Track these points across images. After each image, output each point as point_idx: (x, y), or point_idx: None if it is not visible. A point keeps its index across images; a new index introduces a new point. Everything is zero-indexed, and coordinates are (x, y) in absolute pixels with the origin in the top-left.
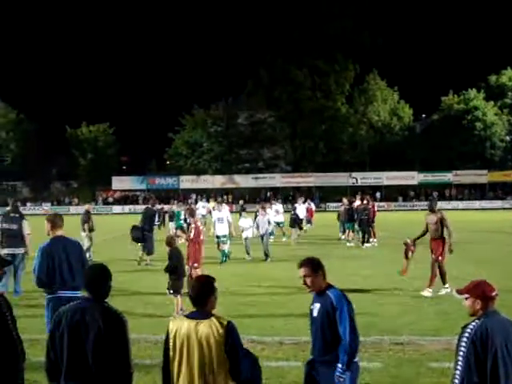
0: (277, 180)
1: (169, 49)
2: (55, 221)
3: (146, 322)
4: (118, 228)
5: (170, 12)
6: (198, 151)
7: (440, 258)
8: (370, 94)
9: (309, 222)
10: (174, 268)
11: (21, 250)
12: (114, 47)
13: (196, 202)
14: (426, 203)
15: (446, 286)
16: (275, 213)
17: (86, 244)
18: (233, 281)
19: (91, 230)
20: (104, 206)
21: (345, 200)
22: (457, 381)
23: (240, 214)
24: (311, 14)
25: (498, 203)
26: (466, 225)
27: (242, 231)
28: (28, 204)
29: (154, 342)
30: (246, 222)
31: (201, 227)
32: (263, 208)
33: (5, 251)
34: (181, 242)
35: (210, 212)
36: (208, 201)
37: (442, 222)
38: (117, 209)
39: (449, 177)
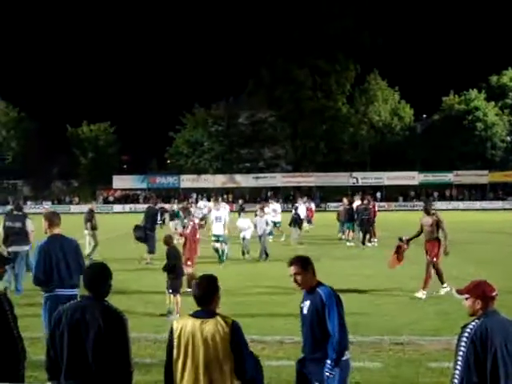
0: (277, 180)
1: (170, 48)
2: (52, 219)
3: (146, 321)
4: (118, 227)
5: (171, 11)
6: (198, 150)
7: (435, 259)
8: (370, 93)
9: (309, 221)
10: (172, 267)
11: (25, 248)
12: (115, 46)
13: (197, 202)
14: None
15: (445, 285)
16: (273, 212)
17: (91, 243)
18: (232, 280)
19: (94, 228)
20: (105, 205)
21: (345, 200)
22: (456, 381)
23: (239, 214)
24: (312, 14)
25: (498, 204)
26: (467, 225)
27: (240, 231)
28: (28, 203)
29: (155, 340)
30: (244, 222)
31: (197, 226)
32: (261, 209)
33: (9, 249)
34: (181, 241)
35: (210, 211)
36: (209, 200)
37: (437, 224)
38: (117, 208)
39: (449, 177)
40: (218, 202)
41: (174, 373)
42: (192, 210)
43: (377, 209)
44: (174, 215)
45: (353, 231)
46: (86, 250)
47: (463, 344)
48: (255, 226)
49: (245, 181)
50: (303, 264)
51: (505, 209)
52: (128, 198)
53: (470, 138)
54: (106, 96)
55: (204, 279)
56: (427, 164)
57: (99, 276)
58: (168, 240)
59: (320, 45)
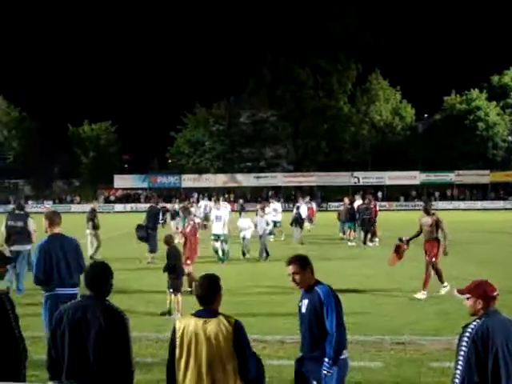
0: (278, 179)
1: (171, 47)
2: (53, 218)
3: (147, 320)
4: (119, 226)
5: (172, 11)
6: (199, 150)
7: (434, 259)
8: (372, 93)
9: (310, 220)
10: (173, 267)
11: (26, 247)
12: (117, 46)
13: (198, 201)
14: None
15: (445, 284)
16: (273, 212)
17: (93, 243)
18: (232, 280)
19: (96, 227)
20: (106, 205)
21: (346, 199)
22: (457, 380)
23: (240, 214)
24: (314, 13)
25: (499, 203)
26: (468, 225)
27: (241, 231)
28: (30, 202)
29: (156, 340)
30: (244, 221)
31: (197, 226)
32: (262, 208)
33: (11, 248)
34: (181, 241)
35: (211, 210)
36: (210, 199)
37: (437, 224)
38: (119, 207)
39: (451, 177)
40: (219, 201)
41: (176, 372)
42: (193, 209)
43: (378, 208)
44: (175, 215)
45: (354, 231)
46: (88, 250)
47: (464, 344)
48: (255, 226)
49: (246, 180)
50: (301, 263)
51: (506, 208)
52: (129, 197)
53: (471, 137)
54: (107, 95)
55: (206, 279)
56: (428, 164)
57: (100, 275)
58: (168, 240)
59: (321, 44)
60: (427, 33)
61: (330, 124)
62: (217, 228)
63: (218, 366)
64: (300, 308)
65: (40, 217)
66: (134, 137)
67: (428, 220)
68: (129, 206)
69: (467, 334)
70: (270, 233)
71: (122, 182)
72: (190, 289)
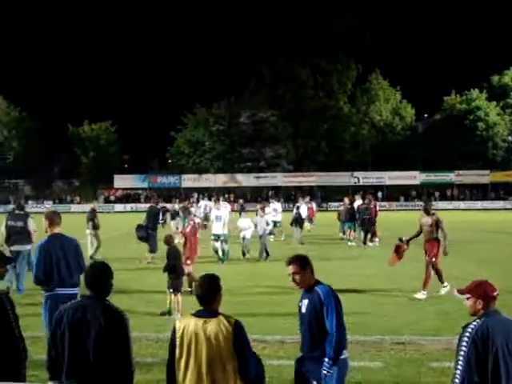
0: (279, 179)
1: (171, 47)
2: (53, 218)
3: (147, 320)
4: (119, 226)
5: (172, 10)
6: (199, 150)
7: (434, 259)
8: (372, 93)
9: (310, 220)
10: (173, 267)
11: (27, 247)
12: (117, 45)
13: (198, 201)
14: None
15: (445, 284)
16: (273, 212)
17: (93, 243)
18: (232, 280)
19: (96, 227)
20: (106, 205)
21: (346, 199)
22: (457, 380)
23: (240, 214)
24: (314, 13)
25: (499, 203)
26: (468, 225)
27: (241, 231)
28: (30, 202)
29: (156, 340)
30: (244, 221)
31: (197, 226)
32: (262, 208)
33: (11, 248)
34: (181, 241)
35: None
36: (210, 199)
37: (437, 224)
38: (119, 207)
39: (451, 177)
40: (219, 201)
41: (176, 372)
42: (193, 209)
43: (378, 208)
44: (175, 215)
45: (354, 231)
46: (88, 250)
47: (464, 344)
48: (255, 226)
49: (246, 180)
50: (301, 263)
51: (506, 208)
52: (129, 197)
53: (471, 137)
54: (107, 95)
55: (206, 279)
56: (428, 164)
57: (100, 275)
58: (168, 240)
59: (322, 44)
60: (427, 33)
61: (330, 124)
62: (217, 228)
63: (218, 365)
64: (300, 308)
65: (40, 217)
66: (133, 137)
67: (428, 220)
68: (129, 206)
69: (467, 334)
70: (270, 233)
71: (122, 182)
72: (190, 289)
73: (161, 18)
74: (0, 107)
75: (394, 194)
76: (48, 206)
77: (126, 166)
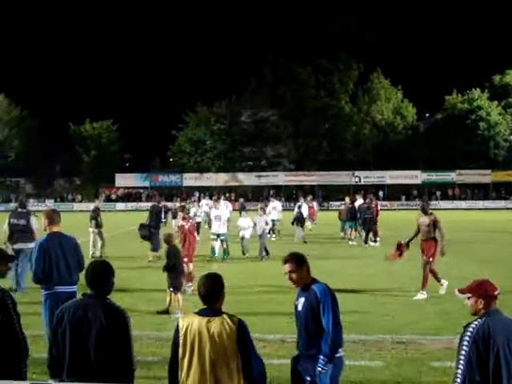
0: (280, 178)
1: (172, 46)
2: (53, 217)
3: (148, 319)
4: (120, 225)
5: (173, 10)
6: (201, 149)
7: (431, 259)
8: (373, 92)
9: (311, 220)
10: (172, 266)
11: (29, 245)
12: (118, 44)
13: (199, 200)
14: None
15: (442, 282)
16: (272, 210)
17: (97, 241)
18: (233, 279)
19: (99, 226)
20: (107, 203)
21: (347, 199)
22: (459, 380)
23: (240, 213)
24: (315, 13)
25: (501, 203)
26: (469, 224)
27: (240, 230)
28: (31, 200)
29: (157, 338)
30: (245, 221)
31: (195, 224)
32: (262, 208)
33: (14, 246)
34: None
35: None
36: (211, 198)
37: (434, 224)
38: (120, 206)
39: (452, 176)
40: (218, 200)
41: (179, 370)
42: (194, 209)
43: (379, 208)
44: (176, 213)
45: (355, 230)
46: (90, 248)
47: (465, 343)
48: (255, 225)
49: (247, 179)
50: (298, 261)
51: (507, 208)
52: (130, 196)
53: (472, 137)
54: (108, 94)
55: (209, 277)
56: (430, 163)
57: (102, 274)
58: (168, 239)
59: (323, 44)
60: (429, 32)
61: (332, 123)
62: (216, 227)
63: (222, 364)
64: (296, 306)
65: (41, 215)
66: (135, 135)
67: (425, 220)
68: (130, 205)
69: (468, 334)
70: (269, 232)
71: (124, 180)
72: (190, 284)
73: (162, 17)
74: (1, 106)
75: (395, 193)
76: (49, 204)
77: (128, 164)
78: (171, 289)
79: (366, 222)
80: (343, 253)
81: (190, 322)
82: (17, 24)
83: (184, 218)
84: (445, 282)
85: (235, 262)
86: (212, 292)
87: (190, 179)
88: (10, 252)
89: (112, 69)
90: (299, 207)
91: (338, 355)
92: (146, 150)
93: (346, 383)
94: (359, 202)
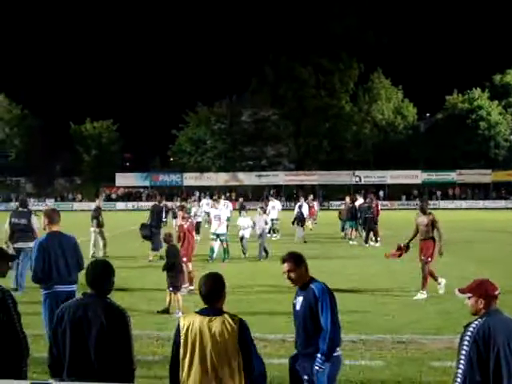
0: (280, 178)
1: (173, 46)
2: (53, 216)
3: (148, 318)
4: (121, 225)
5: (173, 9)
6: (201, 148)
7: (430, 258)
8: (374, 92)
9: (312, 219)
10: (172, 265)
11: (30, 245)
12: (119, 44)
13: (200, 200)
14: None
15: (439, 281)
16: (272, 209)
17: (98, 241)
18: (233, 279)
19: (101, 225)
20: (107, 203)
21: (347, 198)
22: (459, 379)
23: (240, 213)
24: (316, 12)
25: (501, 203)
26: (469, 224)
27: (240, 230)
28: (31, 200)
29: (157, 338)
30: (245, 220)
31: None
32: (262, 208)
33: (15, 246)
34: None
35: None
36: (212, 198)
37: (433, 224)
38: (120, 205)
39: (452, 176)
40: (218, 200)
41: (180, 369)
42: (194, 208)
43: (380, 208)
44: (176, 213)
45: (356, 230)
46: (90, 248)
47: (466, 343)
48: (254, 225)
49: (247, 179)
50: (296, 261)
51: (507, 208)
52: (131, 195)
53: (473, 136)
54: (109, 93)
55: (210, 277)
56: (430, 163)
57: (102, 273)
58: (167, 238)
59: (323, 43)
60: (429, 32)
61: (332, 123)
62: (216, 227)
63: (224, 362)
64: (294, 305)
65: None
66: (135, 135)
67: (424, 220)
68: (130, 205)
69: (469, 334)
70: (270, 231)
71: (124, 180)
72: (191, 287)
73: (162, 17)
74: (2, 105)
75: (395, 193)
76: (50, 203)
77: (128, 164)
78: (171, 288)
79: (367, 222)
80: (343, 252)
81: (191, 322)
82: (17, 24)
83: (183, 218)
84: (442, 281)
85: (235, 262)
86: (213, 291)
87: (191, 179)
88: (11, 251)
89: (112, 69)
90: (300, 207)
91: (335, 354)
92: (146, 150)
93: (346, 383)
94: (360, 201)
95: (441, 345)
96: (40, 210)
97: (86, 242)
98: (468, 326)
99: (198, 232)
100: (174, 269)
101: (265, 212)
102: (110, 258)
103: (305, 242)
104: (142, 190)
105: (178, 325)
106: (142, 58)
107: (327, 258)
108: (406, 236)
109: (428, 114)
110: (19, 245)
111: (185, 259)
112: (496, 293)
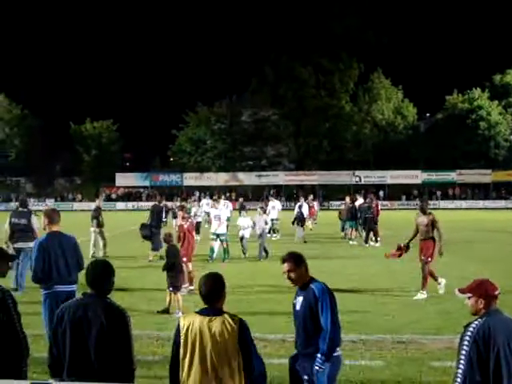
0: (280, 178)
1: (173, 46)
2: (53, 216)
3: (148, 318)
4: (121, 225)
5: (174, 9)
6: (201, 148)
7: (430, 258)
8: (374, 92)
9: (311, 219)
10: (172, 265)
11: (30, 245)
12: (119, 44)
13: (200, 200)
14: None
15: (439, 281)
16: (271, 209)
17: (98, 241)
18: (233, 279)
19: (101, 225)
20: (107, 203)
21: (347, 198)
22: (459, 379)
23: (239, 213)
24: (316, 12)
25: (501, 203)
26: (469, 224)
27: (240, 230)
28: (31, 200)
29: (157, 338)
30: (245, 220)
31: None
32: (262, 208)
33: (15, 245)
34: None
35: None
36: (212, 198)
37: (433, 224)
38: (120, 205)
39: (453, 176)
40: (218, 200)
41: (180, 369)
42: (194, 208)
43: (380, 208)
44: (176, 213)
45: (356, 230)
46: (90, 248)
47: (466, 343)
48: (254, 225)
49: (248, 179)
50: (296, 261)
51: (507, 208)
52: (131, 195)
53: (473, 136)
54: (109, 93)
55: (210, 277)
56: (430, 163)
57: (102, 273)
58: (168, 238)
59: (324, 43)
60: (429, 32)
61: (332, 123)
62: (216, 227)
63: (224, 362)
64: (294, 305)
65: (41, 215)
66: (135, 135)
67: (424, 220)
68: (130, 205)
69: (469, 334)
70: (274, 231)
71: (124, 180)
72: (191, 287)
73: (162, 16)
74: (2, 105)
75: (395, 193)
76: (50, 203)
77: (128, 164)
78: (171, 288)
79: (367, 222)
80: (343, 252)
81: (191, 322)
82: (17, 24)
83: (183, 218)
84: (442, 281)
85: (235, 262)
86: (213, 291)
87: (191, 179)
88: (11, 251)
89: (112, 69)
90: (300, 207)
91: (335, 354)
92: (146, 150)
93: (346, 383)
94: (360, 201)
95: (441, 345)
96: (40, 210)
97: (86, 242)
98: (468, 325)
99: (198, 232)
100: (174, 269)
101: (265, 212)
102: (110, 258)
103: (305, 242)
104: (142, 190)
105: (178, 325)
106: (141, 58)
107: (327, 257)
108: (406, 236)
109: (428, 114)
110: (19, 245)
111: (185, 259)
112: (496, 293)
